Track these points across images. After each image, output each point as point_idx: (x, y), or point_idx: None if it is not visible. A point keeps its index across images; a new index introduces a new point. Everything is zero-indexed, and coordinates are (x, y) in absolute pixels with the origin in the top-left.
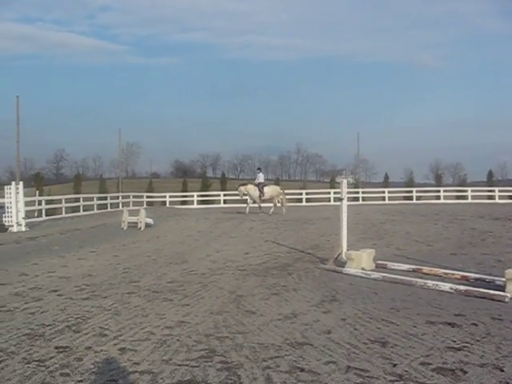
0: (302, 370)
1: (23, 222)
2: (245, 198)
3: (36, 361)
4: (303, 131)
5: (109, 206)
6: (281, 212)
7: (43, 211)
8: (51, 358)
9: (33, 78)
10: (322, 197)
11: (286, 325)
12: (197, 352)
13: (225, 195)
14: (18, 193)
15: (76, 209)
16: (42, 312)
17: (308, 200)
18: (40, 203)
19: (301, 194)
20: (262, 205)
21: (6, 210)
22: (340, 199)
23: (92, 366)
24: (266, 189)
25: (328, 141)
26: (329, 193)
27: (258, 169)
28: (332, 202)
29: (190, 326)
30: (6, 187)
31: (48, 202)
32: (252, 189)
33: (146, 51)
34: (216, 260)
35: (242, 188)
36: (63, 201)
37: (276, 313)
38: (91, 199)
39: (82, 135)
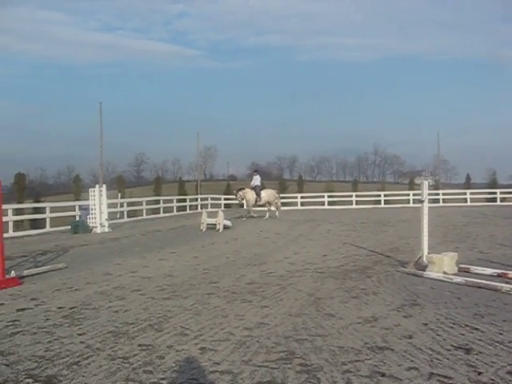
0: (383, 375)
1: (106, 224)
2: (242, 202)
3: (120, 357)
4: (381, 132)
5: (188, 207)
6: (274, 216)
7: (125, 213)
8: (135, 355)
9: (114, 85)
10: (400, 198)
11: (366, 328)
12: (276, 354)
13: (302, 197)
14: (101, 195)
15: (156, 210)
16: (126, 311)
17: (386, 202)
18: (122, 205)
19: (379, 195)
20: (257, 209)
21: (91, 211)
22: (420, 201)
23: (174, 365)
24: (263, 193)
25: (406, 141)
26: (408, 194)
27: (255, 171)
28: (411, 204)
29: (269, 328)
30: (90, 190)
31: (129, 204)
32: (249, 193)
33: (221, 55)
34: (294, 262)
35: (240, 193)
36: (144, 203)
37: (355, 316)
38: (171, 201)
39: (162, 139)
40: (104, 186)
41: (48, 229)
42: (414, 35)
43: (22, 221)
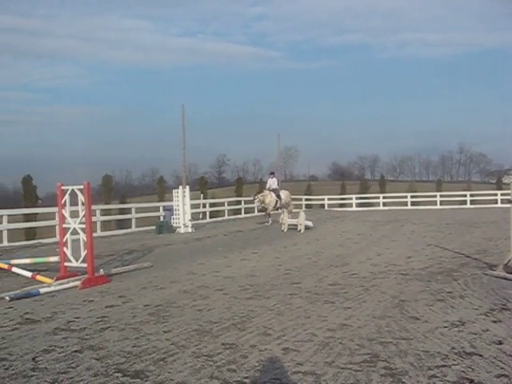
0: (471, 381)
1: (189, 224)
2: (262, 206)
3: (205, 355)
4: (466, 130)
5: None
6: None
7: (207, 213)
8: (218, 353)
9: (196, 88)
10: (487, 199)
11: (453, 333)
12: (360, 356)
13: (384, 197)
14: (184, 196)
15: (237, 211)
16: (209, 309)
17: (472, 202)
18: (204, 206)
19: (465, 195)
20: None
21: (174, 212)
22: (509, 201)
23: (257, 364)
24: (282, 195)
25: (493, 139)
26: (495, 194)
27: (271, 173)
28: (499, 204)
29: (352, 330)
30: (174, 191)
31: (211, 205)
32: (268, 196)
33: (302, 56)
34: (377, 263)
35: (259, 197)
36: (225, 203)
37: (441, 320)
38: (252, 202)
39: (243, 140)
40: (187, 187)
41: (134, 229)
42: (497, 28)
43: (110, 221)
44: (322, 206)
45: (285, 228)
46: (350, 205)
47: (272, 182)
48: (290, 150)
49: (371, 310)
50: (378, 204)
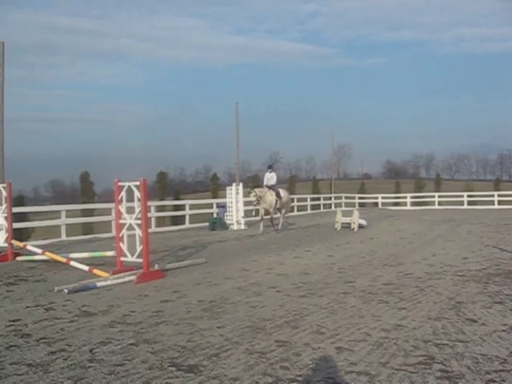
0: None
1: (242, 221)
2: (257, 206)
3: (258, 352)
4: None
5: (321, 206)
6: (277, 224)
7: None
8: (271, 350)
9: (250, 85)
10: None
11: None
12: (415, 358)
13: (439, 197)
14: (238, 193)
15: (291, 209)
16: (262, 306)
17: None
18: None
19: None
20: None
21: (228, 209)
22: None
23: (310, 362)
24: (282, 192)
25: None
26: None
27: (270, 166)
28: None
29: (406, 331)
30: (227, 188)
31: None
32: (268, 194)
33: (355, 53)
34: (432, 264)
35: (256, 191)
36: None
37: (500, 323)
38: (305, 200)
39: (296, 138)
40: (240, 184)
41: (187, 225)
42: None
43: (164, 217)
44: (376, 204)
45: (338, 226)
46: (405, 204)
47: (270, 178)
48: (343, 147)
49: (426, 311)
50: (433, 203)
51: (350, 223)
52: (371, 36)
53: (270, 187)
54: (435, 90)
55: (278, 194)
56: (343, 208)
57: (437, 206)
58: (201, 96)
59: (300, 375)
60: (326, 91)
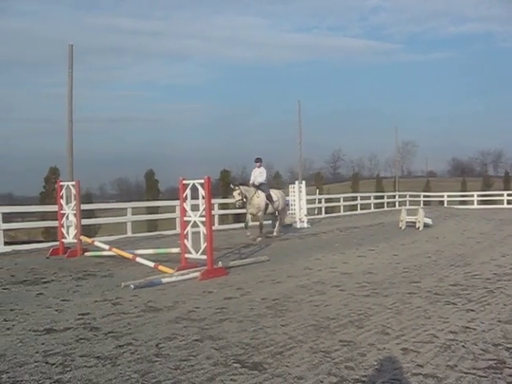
0: None
1: (305, 219)
2: (243, 206)
3: (322, 351)
4: None
5: (385, 204)
6: (274, 234)
7: (323, 209)
8: (336, 350)
9: (311, 83)
10: None
11: None
12: (484, 361)
13: (508, 195)
14: (300, 191)
15: (353, 207)
16: (326, 305)
17: None
18: (320, 201)
19: None
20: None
21: (290, 207)
22: None
23: (375, 363)
24: (274, 195)
25: None
26: None
27: (257, 159)
28: None
29: (475, 333)
30: (290, 186)
31: (327, 201)
32: (255, 194)
33: (419, 48)
34: (502, 265)
35: (241, 190)
36: (341, 199)
37: None
38: (368, 198)
39: (358, 135)
40: (303, 182)
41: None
42: None
43: (227, 215)
44: (441, 203)
45: (403, 225)
46: (472, 202)
47: (258, 174)
48: (407, 144)
49: (496, 313)
50: (501, 202)
51: (414, 222)
52: (436, 30)
53: (257, 186)
54: (503, 84)
55: (268, 197)
56: (407, 206)
57: (505, 205)
58: (262, 94)
59: (365, 376)
60: (389, 87)
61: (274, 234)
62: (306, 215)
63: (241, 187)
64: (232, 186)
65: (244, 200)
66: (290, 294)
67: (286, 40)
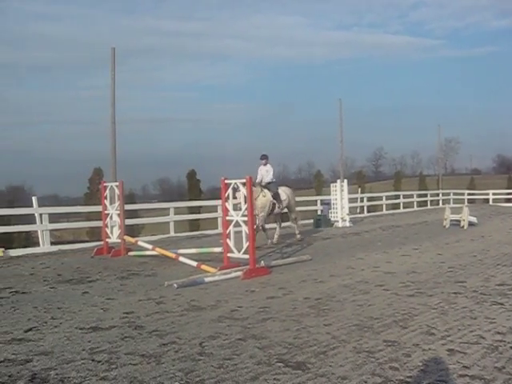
0: None
1: (347, 218)
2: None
3: (366, 351)
4: None
5: (428, 203)
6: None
7: (365, 207)
8: (380, 350)
9: (352, 81)
10: None
11: None
12: None
13: None
14: (342, 190)
15: (396, 206)
16: (370, 305)
17: None
18: (362, 200)
19: None
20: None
21: (332, 206)
22: None
23: (420, 364)
24: (283, 194)
25: None
26: None
27: (263, 157)
28: None
29: None
30: (331, 185)
31: (369, 199)
32: (261, 195)
33: (462, 43)
34: None
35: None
36: (384, 198)
37: None
38: (411, 196)
39: (400, 133)
40: (345, 181)
41: (291, 222)
42: None
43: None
44: (486, 201)
45: (447, 224)
46: None
47: (265, 172)
48: (450, 141)
49: None
50: None
51: (459, 220)
52: (479, 24)
53: (264, 186)
54: None
55: (275, 196)
56: (451, 205)
57: None
58: (303, 93)
59: (410, 376)
60: (432, 84)
61: (297, 236)
62: (348, 214)
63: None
64: (236, 186)
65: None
66: (333, 294)
67: (326, 38)
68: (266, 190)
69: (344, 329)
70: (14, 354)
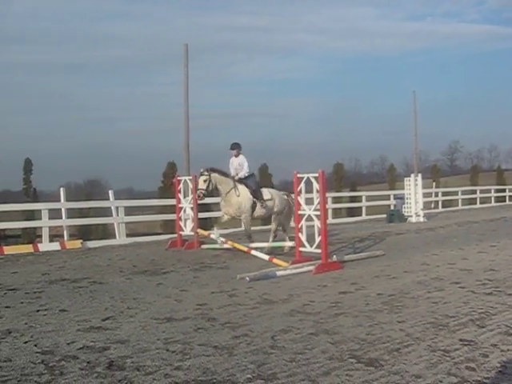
0: None
1: (421, 213)
2: (202, 199)
3: (441, 350)
4: None
5: (507, 198)
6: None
7: (439, 202)
8: (456, 349)
9: (426, 72)
10: None
11: None
12: None
13: None
14: (416, 185)
15: (472, 201)
16: (445, 303)
17: None
18: (436, 195)
19: None
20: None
21: (406, 200)
22: None
23: (498, 365)
24: (266, 192)
25: None
26: None
27: (233, 146)
28: None
29: None
30: (405, 179)
31: (444, 194)
32: (231, 188)
33: None
34: None
35: (213, 176)
36: (459, 193)
37: None
38: (488, 191)
39: (477, 125)
40: (419, 175)
41: (364, 217)
42: None
43: (340, 208)
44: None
45: None
46: None
47: (238, 164)
48: None
49: None
50: None
51: None
52: None
53: (238, 181)
54: None
55: (255, 193)
56: None
57: None
58: (376, 85)
59: (487, 378)
60: (510, 74)
61: (265, 249)
62: (422, 209)
63: (212, 174)
64: (201, 171)
65: (209, 190)
66: (407, 290)
67: (399, 29)
68: (241, 187)
69: (418, 326)
70: (92, 341)
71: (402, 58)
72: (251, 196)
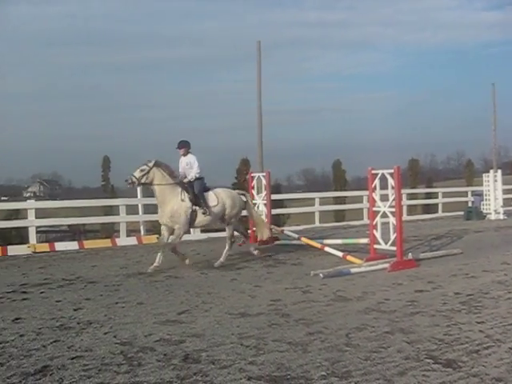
0: None
1: (501, 210)
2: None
3: None
4: None
5: None
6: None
7: None
8: None
9: (507, 63)
10: None
11: None
12: None
13: None
14: (495, 181)
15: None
16: None
17: None
18: None
19: None
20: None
21: (484, 197)
22: None
23: None
24: (213, 196)
25: None
26: None
27: (181, 144)
28: None
29: None
30: (484, 175)
31: None
32: (171, 191)
33: None
34: None
35: (152, 171)
36: None
37: None
38: None
39: None
40: (499, 171)
41: (440, 214)
42: None
43: (415, 205)
44: None
45: None
46: None
47: (186, 164)
48: None
49: None
50: None
51: None
52: None
53: (189, 184)
54: None
55: (196, 200)
56: None
57: None
58: (453, 79)
59: None
60: None
61: (216, 263)
62: (501, 206)
63: (153, 168)
64: (147, 160)
65: (141, 182)
66: (486, 290)
67: (478, 19)
68: (184, 193)
69: (498, 327)
70: (168, 334)
71: (482, 49)
72: (190, 204)
